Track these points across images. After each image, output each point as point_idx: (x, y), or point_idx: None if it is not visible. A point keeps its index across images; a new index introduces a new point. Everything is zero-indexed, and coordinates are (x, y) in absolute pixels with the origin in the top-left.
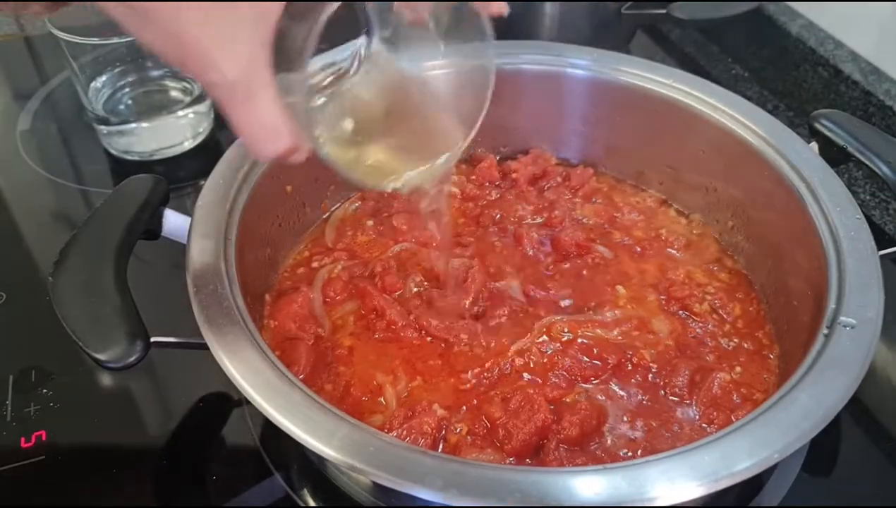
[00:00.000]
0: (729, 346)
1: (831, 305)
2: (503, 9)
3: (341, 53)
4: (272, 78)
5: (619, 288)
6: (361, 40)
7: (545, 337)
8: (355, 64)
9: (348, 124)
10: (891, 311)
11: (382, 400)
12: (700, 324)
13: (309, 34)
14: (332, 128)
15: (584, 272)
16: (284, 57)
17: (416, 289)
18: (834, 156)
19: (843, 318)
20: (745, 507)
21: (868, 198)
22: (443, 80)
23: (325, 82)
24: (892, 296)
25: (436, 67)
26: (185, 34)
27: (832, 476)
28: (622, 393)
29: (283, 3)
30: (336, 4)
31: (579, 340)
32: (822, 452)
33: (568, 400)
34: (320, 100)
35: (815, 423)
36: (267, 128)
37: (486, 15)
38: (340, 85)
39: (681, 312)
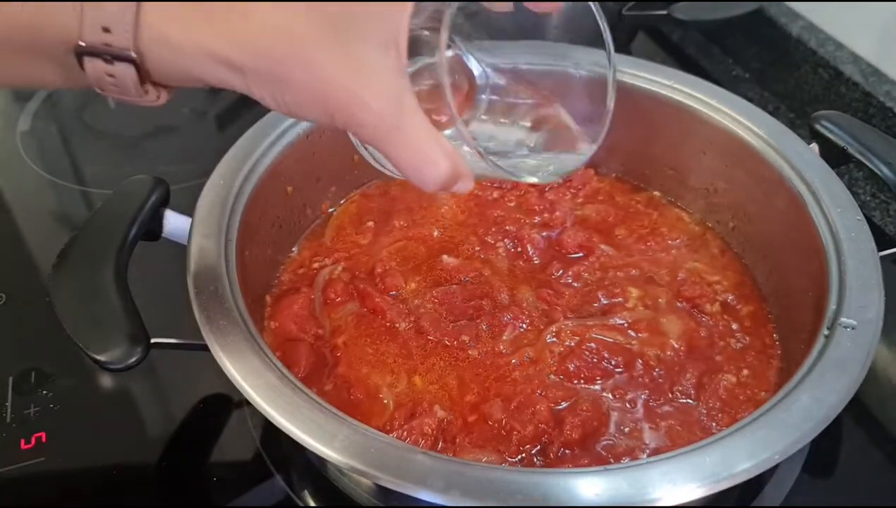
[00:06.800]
0: (737, 346)
1: (832, 306)
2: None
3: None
4: (417, 103)
5: (631, 289)
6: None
7: (550, 339)
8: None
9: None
10: (891, 312)
11: (383, 400)
12: (711, 324)
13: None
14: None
15: (590, 273)
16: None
17: (416, 290)
18: (834, 157)
19: (843, 319)
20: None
21: (868, 199)
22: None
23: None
24: (892, 297)
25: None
26: (327, 82)
27: (833, 477)
28: (627, 394)
29: (406, 27)
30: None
31: (587, 344)
32: (822, 453)
33: (570, 402)
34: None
35: (816, 424)
36: (423, 153)
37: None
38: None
39: (693, 311)
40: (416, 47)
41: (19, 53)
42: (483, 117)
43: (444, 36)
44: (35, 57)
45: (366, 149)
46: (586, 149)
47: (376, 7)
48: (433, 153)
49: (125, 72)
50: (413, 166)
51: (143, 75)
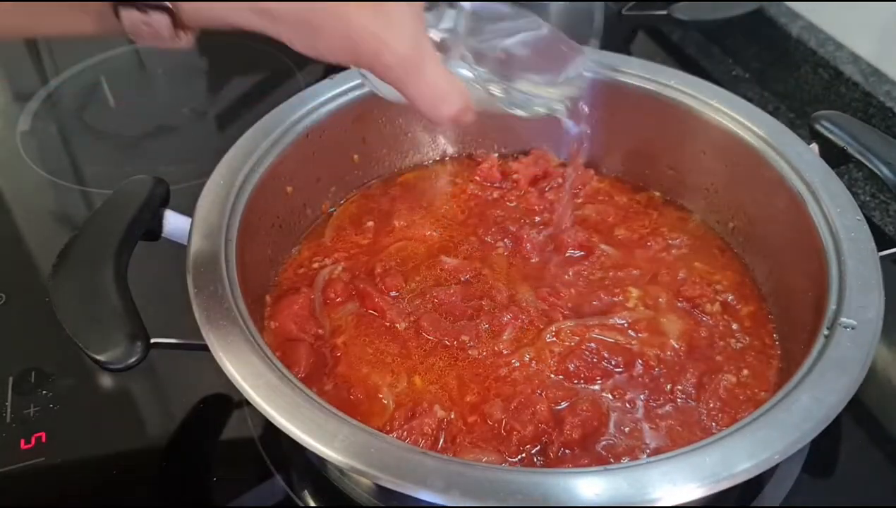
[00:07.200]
0: (737, 346)
1: (832, 306)
2: None
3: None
4: (433, 46)
5: (632, 289)
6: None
7: (550, 338)
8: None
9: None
10: (891, 312)
11: (383, 400)
12: (711, 324)
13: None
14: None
15: (590, 273)
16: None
17: (416, 290)
18: (834, 157)
19: (843, 319)
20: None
21: (868, 199)
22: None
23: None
24: (892, 297)
25: None
26: (356, 29)
27: (833, 477)
28: (627, 394)
29: None
30: None
31: (587, 344)
32: (822, 453)
33: (570, 401)
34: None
35: (816, 424)
36: (440, 92)
37: None
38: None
39: (693, 311)
40: None
41: (55, 4)
42: (470, 50)
43: None
44: (70, 7)
45: (366, 78)
46: (574, 70)
47: None
48: (450, 92)
49: (160, 20)
50: (432, 103)
51: (177, 22)
